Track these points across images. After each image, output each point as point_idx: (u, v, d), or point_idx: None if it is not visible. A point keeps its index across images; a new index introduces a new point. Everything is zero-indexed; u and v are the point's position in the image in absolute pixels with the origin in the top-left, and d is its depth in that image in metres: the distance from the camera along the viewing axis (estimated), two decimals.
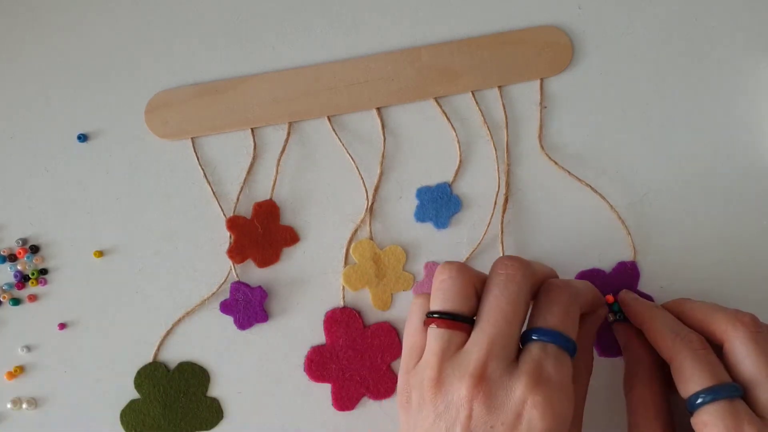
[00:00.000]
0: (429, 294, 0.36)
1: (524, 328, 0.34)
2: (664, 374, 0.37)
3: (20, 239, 0.41)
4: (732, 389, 0.33)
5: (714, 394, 0.33)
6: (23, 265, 0.41)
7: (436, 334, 0.34)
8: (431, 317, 0.34)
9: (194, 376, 0.41)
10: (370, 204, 0.42)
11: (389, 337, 0.41)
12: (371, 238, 0.42)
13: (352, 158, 0.42)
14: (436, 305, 0.34)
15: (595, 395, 0.41)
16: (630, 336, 0.39)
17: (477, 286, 0.35)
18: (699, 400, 0.33)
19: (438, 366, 0.33)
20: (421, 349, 0.35)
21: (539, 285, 0.36)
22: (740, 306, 0.36)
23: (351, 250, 0.42)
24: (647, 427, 0.36)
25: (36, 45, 0.42)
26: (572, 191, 0.42)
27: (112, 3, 0.42)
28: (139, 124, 0.42)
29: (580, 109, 0.43)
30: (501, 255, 0.42)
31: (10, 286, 0.41)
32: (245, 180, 0.42)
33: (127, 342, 0.41)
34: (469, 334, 0.34)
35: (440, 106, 0.42)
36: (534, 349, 0.33)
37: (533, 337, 0.34)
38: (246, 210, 0.42)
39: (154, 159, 0.42)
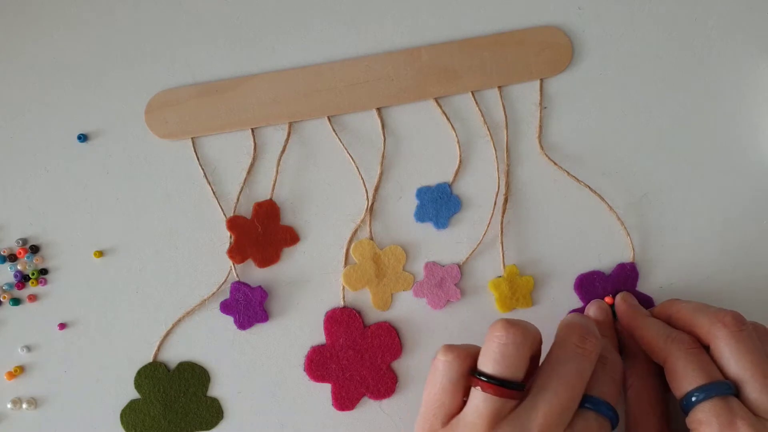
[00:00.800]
0: (458, 350, 0.34)
1: None
2: (660, 371, 0.37)
3: (20, 239, 0.41)
4: (724, 387, 0.33)
5: (707, 392, 0.33)
6: (23, 265, 0.41)
7: (489, 399, 0.32)
8: (481, 379, 0.33)
9: (194, 376, 0.41)
10: (370, 204, 0.42)
11: (389, 337, 0.41)
12: (371, 238, 0.42)
13: (352, 158, 0.42)
14: (493, 369, 0.32)
15: None
16: (627, 334, 0.39)
17: (533, 348, 0.34)
18: (693, 399, 0.33)
19: (487, 430, 0.32)
20: (451, 409, 0.33)
21: None
22: (741, 306, 0.36)
23: (351, 250, 0.42)
24: (644, 421, 0.37)
25: (36, 45, 0.42)
26: (572, 192, 0.42)
27: (112, 3, 0.42)
28: (139, 124, 0.42)
29: (580, 110, 0.43)
30: (501, 255, 0.42)
31: (10, 286, 0.41)
32: (245, 180, 0.42)
33: (127, 342, 0.41)
34: (518, 401, 0.33)
35: (440, 106, 0.42)
36: (591, 420, 0.33)
37: (587, 406, 0.34)
38: (246, 210, 0.42)
39: (154, 159, 0.42)
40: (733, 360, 0.34)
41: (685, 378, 0.34)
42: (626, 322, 0.39)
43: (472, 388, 0.33)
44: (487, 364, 0.33)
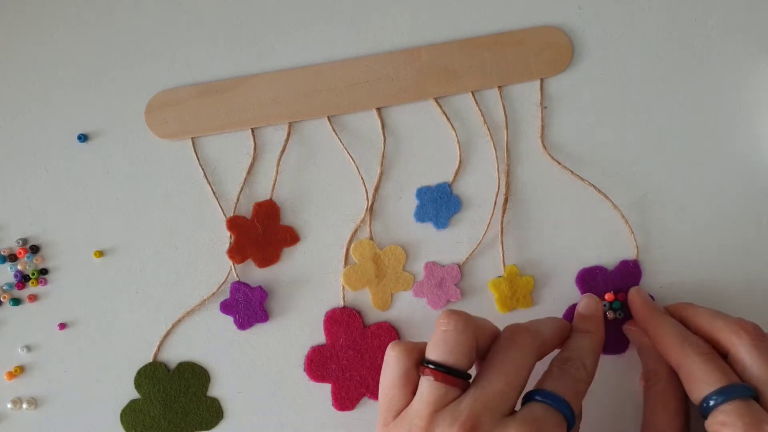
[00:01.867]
0: (405, 344, 0.35)
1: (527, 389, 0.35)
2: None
3: (20, 239, 0.41)
4: (745, 389, 0.33)
5: (727, 394, 0.33)
6: (23, 265, 0.41)
7: (432, 385, 0.33)
8: (428, 366, 0.33)
9: (194, 376, 0.41)
10: (370, 204, 0.42)
11: (389, 337, 0.41)
12: (371, 238, 0.42)
13: (352, 158, 0.42)
14: (436, 355, 0.33)
15: (594, 393, 0.41)
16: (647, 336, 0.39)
17: (479, 339, 0.34)
18: (712, 402, 0.33)
19: (429, 416, 0.32)
20: (401, 403, 0.34)
21: (548, 350, 0.36)
22: (741, 306, 0.36)
23: (351, 250, 0.42)
24: (666, 424, 0.36)
25: (36, 45, 0.42)
26: (573, 191, 0.42)
27: (112, 3, 0.42)
28: (139, 124, 0.42)
29: (580, 110, 0.43)
30: (501, 255, 0.42)
31: (10, 286, 0.41)
32: (245, 180, 0.42)
33: (127, 342, 0.41)
34: (463, 391, 0.33)
35: (440, 106, 0.42)
36: (537, 409, 0.33)
37: (537, 398, 0.33)
38: (246, 210, 0.42)
39: (154, 159, 0.42)
40: (755, 367, 0.34)
41: (705, 381, 0.34)
42: (641, 318, 0.39)
43: (421, 378, 0.33)
44: (431, 351, 0.34)
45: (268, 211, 0.42)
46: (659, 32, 0.43)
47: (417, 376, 0.34)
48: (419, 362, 0.34)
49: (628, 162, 0.42)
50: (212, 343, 0.42)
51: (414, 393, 0.34)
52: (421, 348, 0.35)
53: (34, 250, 0.41)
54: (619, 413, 0.41)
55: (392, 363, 0.35)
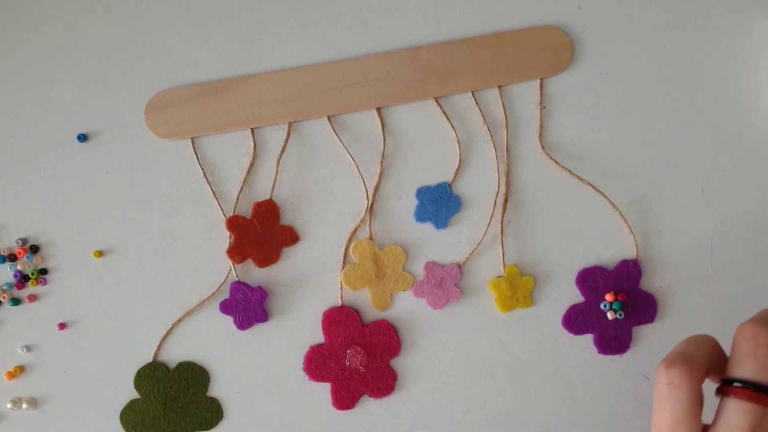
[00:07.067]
0: (685, 363, 0.29)
1: None
2: None
3: (20, 239, 0.41)
4: None
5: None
6: (23, 265, 0.41)
7: (745, 409, 0.27)
8: (735, 386, 0.28)
9: (194, 376, 0.41)
10: (370, 204, 0.42)
11: (388, 335, 0.41)
12: (371, 238, 0.42)
13: (352, 158, 0.42)
14: (751, 373, 0.28)
15: (595, 393, 0.41)
16: None
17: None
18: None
19: None
20: None
21: None
22: (741, 306, 0.36)
23: (351, 250, 0.42)
24: None
25: (36, 45, 0.42)
26: (573, 190, 0.42)
27: (113, 3, 0.42)
28: (139, 124, 0.42)
29: (580, 109, 0.43)
30: (501, 255, 0.42)
31: (10, 286, 0.41)
32: (245, 180, 0.42)
33: (127, 342, 0.41)
34: None
35: (440, 106, 0.42)
36: None
37: None
38: (246, 210, 0.42)
39: (154, 159, 0.42)
40: None
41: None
42: None
43: (724, 400, 0.29)
44: (743, 368, 0.28)
45: (268, 210, 0.42)
46: (659, 32, 0.43)
47: (703, 401, 0.29)
48: (722, 380, 0.29)
49: (628, 162, 0.42)
50: (212, 343, 0.42)
51: (700, 422, 0.29)
52: (704, 364, 0.30)
53: (34, 250, 0.41)
54: (620, 413, 0.41)
55: (676, 392, 0.29)
